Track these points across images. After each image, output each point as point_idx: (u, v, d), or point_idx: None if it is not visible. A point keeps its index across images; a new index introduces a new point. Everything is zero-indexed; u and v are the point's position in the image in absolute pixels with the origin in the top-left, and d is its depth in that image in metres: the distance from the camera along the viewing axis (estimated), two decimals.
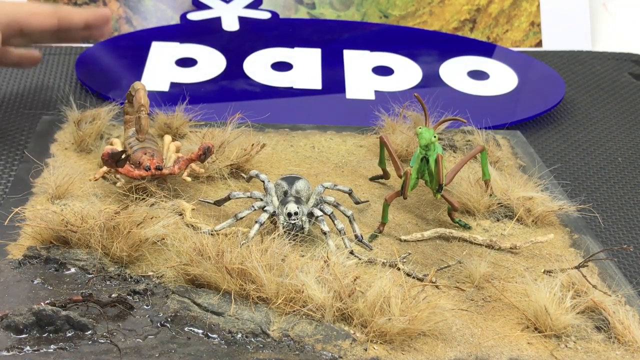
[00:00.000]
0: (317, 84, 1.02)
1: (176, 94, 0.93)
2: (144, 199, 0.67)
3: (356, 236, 0.67)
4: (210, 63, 1.05)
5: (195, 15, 1.17)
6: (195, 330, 0.54)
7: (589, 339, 0.57)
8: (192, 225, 0.66)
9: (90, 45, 1.10)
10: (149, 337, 0.52)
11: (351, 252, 0.65)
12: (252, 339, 0.54)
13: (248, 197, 0.68)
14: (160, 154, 0.72)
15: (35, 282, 0.57)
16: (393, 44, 1.13)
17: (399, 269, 0.63)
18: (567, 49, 1.22)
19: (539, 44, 1.23)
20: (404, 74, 1.06)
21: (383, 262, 0.64)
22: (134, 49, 1.07)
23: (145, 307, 0.55)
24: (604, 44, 1.25)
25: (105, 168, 0.70)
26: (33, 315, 0.51)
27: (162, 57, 1.05)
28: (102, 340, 0.51)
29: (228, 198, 0.68)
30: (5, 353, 0.49)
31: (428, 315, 0.55)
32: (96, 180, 0.70)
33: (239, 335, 0.54)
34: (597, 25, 1.28)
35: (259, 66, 1.05)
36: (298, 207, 0.65)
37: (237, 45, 1.11)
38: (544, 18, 1.24)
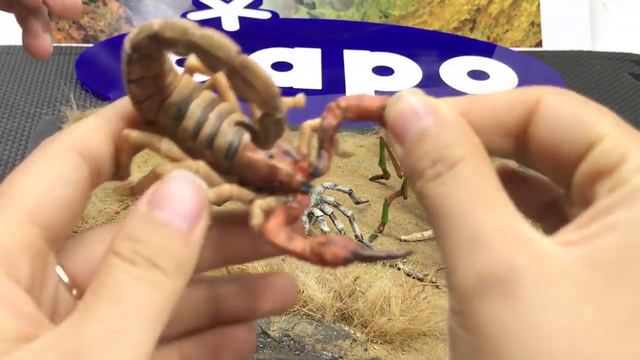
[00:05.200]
0: (317, 84, 1.02)
1: None
2: None
3: (356, 236, 0.67)
4: None
5: (195, 15, 1.17)
6: None
7: None
8: None
9: (90, 45, 1.10)
10: None
11: None
12: None
13: None
14: None
15: None
16: (393, 44, 1.13)
17: (399, 268, 0.63)
18: (567, 49, 1.22)
19: (539, 44, 1.23)
20: (404, 74, 1.06)
21: (383, 262, 0.64)
22: None
23: None
24: (604, 44, 1.25)
25: None
26: None
27: None
28: None
29: None
30: None
31: (428, 315, 0.55)
32: None
33: None
34: (597, 25, 1.28)
35: None
36: None
37: (237, 45, 1.11)
38: (544, 18, 1.24)
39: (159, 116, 0.30)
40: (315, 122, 0.32)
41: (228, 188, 0.30)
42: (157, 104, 0.30)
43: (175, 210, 0.27)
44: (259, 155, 0.30)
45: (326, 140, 0.31)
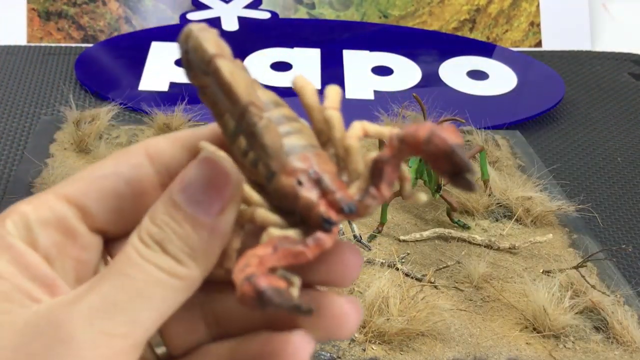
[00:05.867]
0: (316, 84, 1.02)
1: (175, 94, 0.93)
2: None
3: (355, 236, 0.67)
4: None
5: (195, 15, 1.17)
6: None
7: (588, 339, 0.57)
8: None
9: (90, 45, 1.10)
10: None
11: None
12: None
13: None
14: None
15: None
16: (393, 44, 1.13)
17: (397, 269, 0.63)
18: (566, 49, 1.22)
19: (539, 44, 1.23)
20: (403, 74, 1.06)
21: (382, 262, 0.64)
22: (133, 49, 1.07)
23: None
24: (603, 44, 1.25)
25: None
26: None
27: (161, 57, 1.05)
28: None
29: None
30: None
31: (426, 316, 0.55)
32: None
33: None
34: (597, 25, 1.28)
35: (258, 66, 1.05)
36: None
37: (236, 45, 1.10)
38: (543, 18, 1.24)
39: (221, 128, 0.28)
40: (365, 125, 0.27)
41: (252, 210, 0.26)
42: (219, 115, 0.27)
43: (191, 194, 0.24)
44: (288, 181, 0.26)
45: (376, 175, 0.25)
